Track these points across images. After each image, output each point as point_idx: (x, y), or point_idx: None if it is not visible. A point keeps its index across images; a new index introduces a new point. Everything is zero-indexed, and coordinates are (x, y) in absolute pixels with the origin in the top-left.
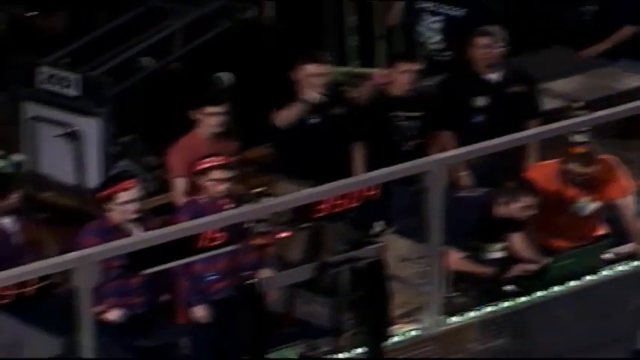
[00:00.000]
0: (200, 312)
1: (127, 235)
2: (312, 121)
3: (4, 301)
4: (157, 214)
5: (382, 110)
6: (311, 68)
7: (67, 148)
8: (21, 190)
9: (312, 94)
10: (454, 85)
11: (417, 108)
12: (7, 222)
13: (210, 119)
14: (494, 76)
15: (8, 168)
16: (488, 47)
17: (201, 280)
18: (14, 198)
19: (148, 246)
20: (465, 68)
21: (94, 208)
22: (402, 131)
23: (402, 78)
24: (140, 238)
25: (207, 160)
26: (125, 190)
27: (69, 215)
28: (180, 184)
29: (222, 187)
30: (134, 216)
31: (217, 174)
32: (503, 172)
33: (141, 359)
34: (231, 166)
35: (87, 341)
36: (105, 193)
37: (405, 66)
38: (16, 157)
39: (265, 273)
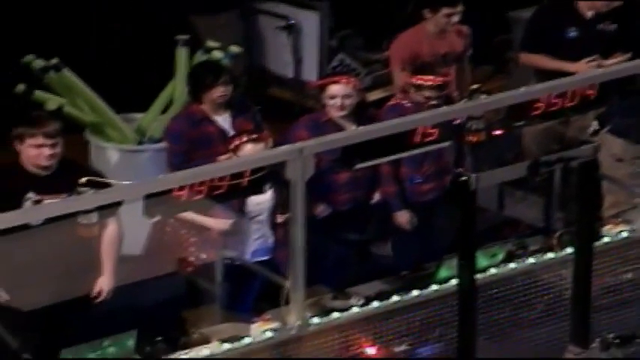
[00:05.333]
0: (403, 217)
1: (340, 129)
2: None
3: (218, 192)
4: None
5: None
6: None
7: (286, 41)
8: (236, 82)
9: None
10: None
11: None
12: (222, 118)
13: (443, 19)
14: None
15: (225, 60)
16: None
17: (407, 183)
18: (224, 90)
19: (361, 141)
20: None
21: (310, 101)
22: None
23: None
24: (353, 132)
25: (423, 77)
26: (335, 83)
27: (286, 108)
28: (402, 77)
29: (433, 103)
30: (344, 111)
31: (429, 93)
32: None
33: (348, 252)
34: (443, 87)
35: (299, 233)
36: (316, 85)
37: None
38: (234, 49)
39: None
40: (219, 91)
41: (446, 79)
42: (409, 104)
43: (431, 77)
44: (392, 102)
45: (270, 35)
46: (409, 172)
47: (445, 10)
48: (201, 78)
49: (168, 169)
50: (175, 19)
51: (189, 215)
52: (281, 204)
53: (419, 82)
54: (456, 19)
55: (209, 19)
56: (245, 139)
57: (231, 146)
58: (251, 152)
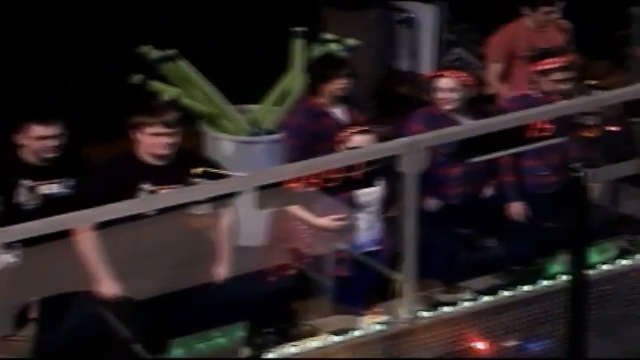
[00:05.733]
0: (517, 208)
1: (454, 123)
2: None
3: (331, 184)
4: (488, 101)
5: None
6: None
7: (404, 35)
8: (354, 75)
9: None
10: None
11: None
12: (338, 111)
13: (542, 16)
14: None
15: (342, 52)
16: None
17: (529, 174)
18: (344, 83)
19: (476, 135)
20: None
21: (426, 94)
22: None
23: None
24: (468, 126)
25: (549, 61)
26: (443, 77)
27: (403, 101)
28: (494, 69)
29: (563, 87)
30: (450, 105)
31: (558, 75)
32: None
33: (459, 245)
34: (572, 67)
35: (411, 226)
36: (426, 78)
37: None
38: (350, 42)
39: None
40: (339, 84)
41: (571, 59)
42: (538, 95)
43: (555, 59)
44: (520, 92)
45: (389, 28)
46: (533, 164)
47: (544, 9)
48: (322, 70)
49: (286, 163)
50: (289, 8)
51: (298, 212)
52: (391, 196)
53: (546, 66)
54: (555, 15)
55: (332, 11)
56: (354, 130)
57: (341, 138)
58: (360, 144)
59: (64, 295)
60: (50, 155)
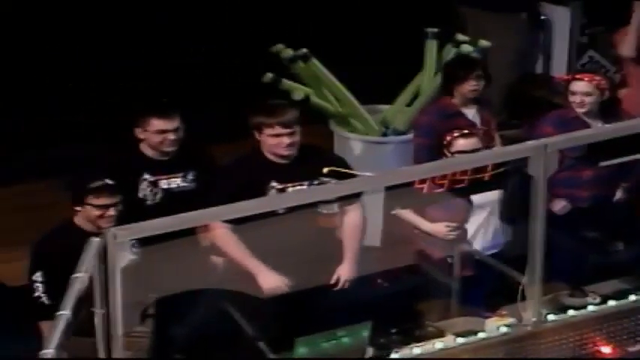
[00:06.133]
0: None
1: (586, 126)
2: None
3: (459, 185)
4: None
5: None
6: None
7: (538, 37)
8: (487, 77)
9: None
10: None
11: None
12: (471, 112)
13: None
14: None
15: (474, 53)
16: None
17: None
18: (476, 85)
19: (608, 139)
20: None
21: (558, 97)
22: None
23: None
24: (598, 130)
25: None
26: (577, 80)
27: (535, 104)
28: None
29: None
30: (583, 108)
31: None
32: None
33: (586, 249)
34: None
35: (538, 229)
36: (560, 81)
37: None
38: (483, 43)
39: None
40: (470, 85)
41: None
42: None
43: None
44: None
45: (531, 31)
46: None
47: None
48: (455, 71)
49: (415, 163)
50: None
51: (408, 215)
52: (513, 198)
53: None
54: None
55: (474, 12)
56: (456, 134)
57: (446, 142)
58: (464, 147)
59: (189, 292)
60: (170, 149)
